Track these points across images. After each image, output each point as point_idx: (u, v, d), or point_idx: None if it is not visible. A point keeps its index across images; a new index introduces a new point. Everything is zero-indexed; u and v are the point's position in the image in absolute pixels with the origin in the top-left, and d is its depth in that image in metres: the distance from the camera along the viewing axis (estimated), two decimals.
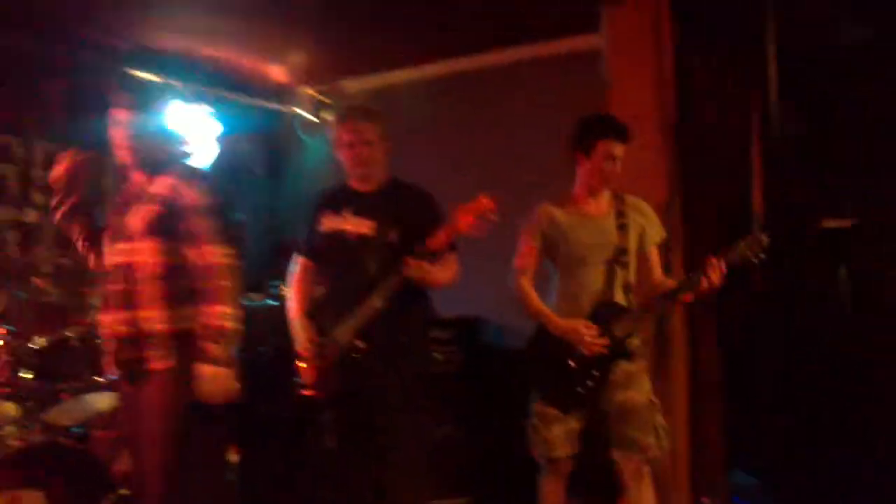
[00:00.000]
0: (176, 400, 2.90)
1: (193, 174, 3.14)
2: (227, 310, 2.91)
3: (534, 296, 3.52)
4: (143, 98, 3.22)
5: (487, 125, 5.50)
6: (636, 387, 3.46)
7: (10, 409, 3.57)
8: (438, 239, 3.12)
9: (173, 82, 5.72)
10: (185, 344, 2.89)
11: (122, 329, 2.99)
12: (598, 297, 3.45)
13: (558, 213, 3.55)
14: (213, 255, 2.94)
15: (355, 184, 3.46)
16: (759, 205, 4.31)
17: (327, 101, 6.28)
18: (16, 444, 3.42)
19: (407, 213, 3.28)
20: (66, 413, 3.75)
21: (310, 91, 6.30)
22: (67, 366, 3.70)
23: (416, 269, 3.11)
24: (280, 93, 6.38)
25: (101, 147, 5.42)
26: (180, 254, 2.98)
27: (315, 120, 6.31)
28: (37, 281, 4.52)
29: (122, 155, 3.16)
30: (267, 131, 6.61)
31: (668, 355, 4.18)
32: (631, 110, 4.31)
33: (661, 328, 4.11)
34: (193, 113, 5.86)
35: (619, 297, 3.48)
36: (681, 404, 4.20)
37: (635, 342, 3.46)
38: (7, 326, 3.61)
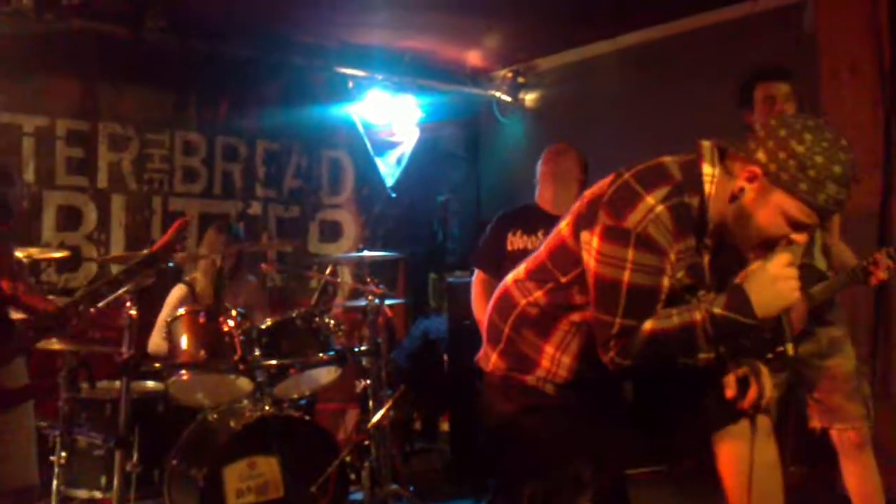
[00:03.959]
0: None
1: None
2: None
3: None
4: None
5: (678, 93, 5.33)
6: (843, 352, 3.24)
7: (245, 384, 3.88)
8: None
9: (376, 75, 5.99)
10: None
11: None
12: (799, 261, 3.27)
13: None
14: None
15: (547, 206, 3.61)
16: None
17: (523, 80, 6.33)
18: (251, 415, 3.71)
19: None
20: (294, 387, 4.03)
21: (506, 73, 6.38)
22: (293, 344, 3.95)
23: None
24: (477, 77, 6.50)
25: (312, 141, 5.86)
26: None
27: (511, 101, 6.38)
28: (264, 267, 4.90)
29: None
30: (466, 115, 6.76)
31: (887, 316, 3.89)
32: (844, 62, 4.07)
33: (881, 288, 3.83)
34: (396, 102, 6.11)
35: (819, 262, 3.27)
36: None
37: (835, 310, 3.26)
38: (239, 310, 3.91)
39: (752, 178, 1.93)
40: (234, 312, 3.85)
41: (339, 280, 5.38)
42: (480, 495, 4.39)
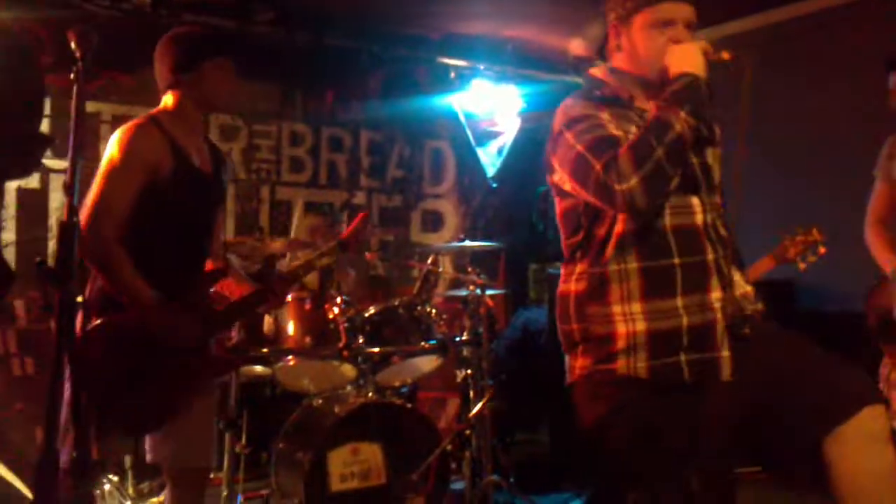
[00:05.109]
0: None
1: None
2: None
3: (883, 243, 3.25)
4: None
5: (831, 74, 5.05)
6: None
7: (349, 371, 3.94)
8: None
9: (479, 65, 5.98)
10: None
11: None
12: None
13: None
14: None
15: None
16: None
17: None
18: (354, 401, 3.76)
19: None
20: (396, 375, 4.08)
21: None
22: (395, 332, 4.00)
23: None
24: (579, 66, 6.40)
25: (414, 131, 5.90)
26: None
27: None
28: (367, 256, 4.97)
29: None
30: None
31: None
32: None
33: None
34: (498, 92, 6.09)
35: None
36: None
37: None
38: (344, 297, 3.97)
39: (616, 34, 2.23)
40: (339, 300, 3.91)
41: (440, 270, 5.41)
42: (581, 488, 4.35)
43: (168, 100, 2.77)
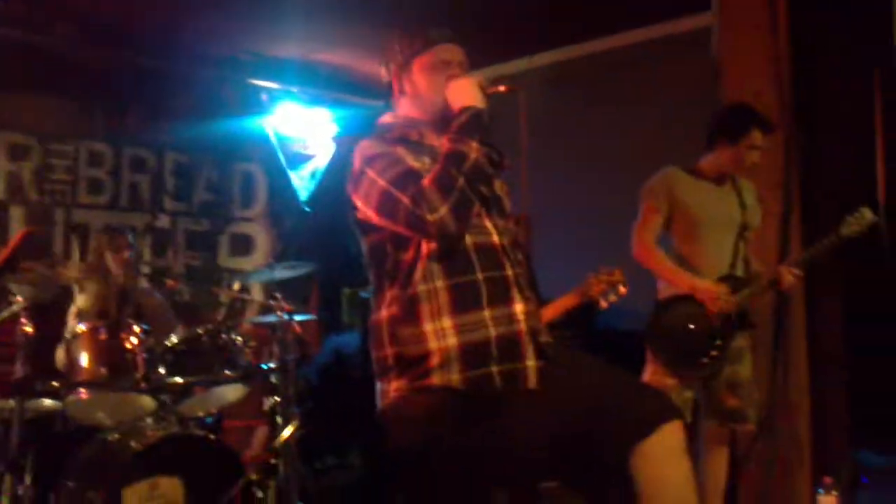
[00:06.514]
0: None
1: None
2: None
3: (662, 254, 3.51)
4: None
5: (601, 108, 5.43)
6: (743, 361, 3.52)
7: (148, 403, 3.76)
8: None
9: (291, 87, 5.94)
10: None
11: None
12: (724, 270, 3.46)
13: (683, 181, 3.53)
14: None
15: None
16: (881, 179, 4.13)
17: None
18: (153, 434, 3.60)
19: None
20: (199, 405, 3.94)
21: None
22: (199, 361, 3.87)
23: None
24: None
25: (224, 153, 5.76)
26: None
27: None
28: (169, 283, 4.79)
29: None
30: None
31: (787, 328, 4.06)
32: (747, 87, 4.20)
33: (782, 301, 4.02)
34: (311, 116, 6.06)
35: (741, 273, 3.51)
36: (802, 379, 4.07)
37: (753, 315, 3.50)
38: (143, 325, 3.80)
39: (399, 81, 2.37)
40: (136, 329, 3.75)
41: (248, 296, 5.30)
42: None
43: None
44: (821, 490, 3.51)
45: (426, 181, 2.14)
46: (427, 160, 2.24)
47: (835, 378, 4.16)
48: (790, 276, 3.41)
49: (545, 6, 4.92)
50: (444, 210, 2.11)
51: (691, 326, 3.41)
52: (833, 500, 3.46)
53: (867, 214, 3.40)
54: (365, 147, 2.29)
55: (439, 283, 2.18)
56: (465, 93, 2.26)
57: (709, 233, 3.48)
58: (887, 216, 3.93)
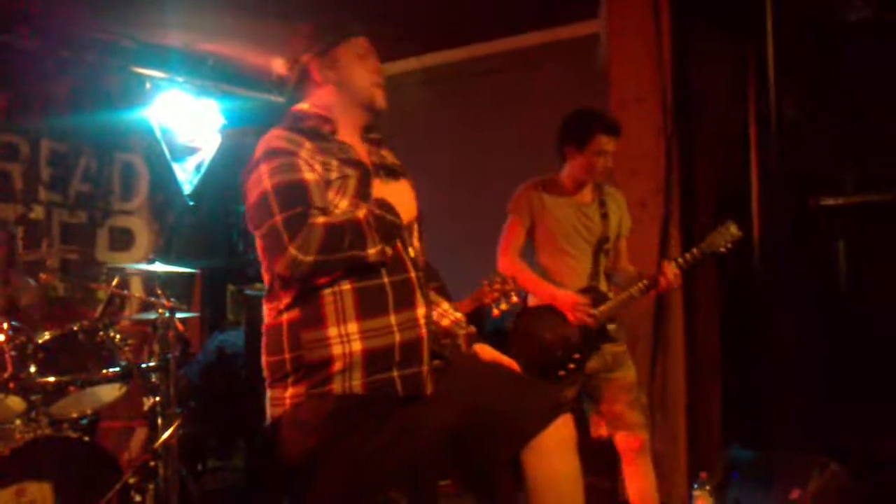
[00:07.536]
0: None
1: None
2: None
3: (526, 267, 3.57)
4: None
5: (495, 113, 5.50)
6: (625, 366, 3.57)
7: (16, 403, 3.56)
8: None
9: (177, 77, 5.75)
10: None
11: None
12: (585, 284, 3.52)
13: (545, 194, 3.57)
14: None
15: None
16: (756, 184, 4.32)
17: None
18: (21, 437, 3.41)
19: None
20: (74, 405, 3.76)
21: None
22: (74, 359, 3.70)
23: None
24: (283, 85, 6.38)
25: (103, 143, 5.53)
26: None
27: None
28: (43, 276, 4.56)
29: None
30: (270, 123, 6.60)
31: (666, 333, 4.20)
32: (631, 93, 4.33)
33: (660, 306, 4.14)
34: (198, 107, 5.89)
35: (602, 285, 3.58)
36: (679, 382, 4.22)
37: (613, 326, 3.54)
38: (12, 321, 3.61)
39: (318, 69, 2.34)
40: (4, 325, 3.55)
41: (127, 291, 5.11)
42: None
43: None
44: (696, 486, 3.64)
45: (320, 221, 2.08)
46: (333, 161, 2.20)
47: (712, 381, 4.33)
48: (671, 271, 3.40)
49: (433, 8, 4.94)
50: (311, 259, 2.06)
51: (548, 336, 3.46)
52: (707, 496, 3.59)
53: (732, 229, 3.42)
54: (272, 138, 2.23)
55: (346, 287, 2.14)
56: (404, 202, 2.24)
57: (568, 246, 3.53)
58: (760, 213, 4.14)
